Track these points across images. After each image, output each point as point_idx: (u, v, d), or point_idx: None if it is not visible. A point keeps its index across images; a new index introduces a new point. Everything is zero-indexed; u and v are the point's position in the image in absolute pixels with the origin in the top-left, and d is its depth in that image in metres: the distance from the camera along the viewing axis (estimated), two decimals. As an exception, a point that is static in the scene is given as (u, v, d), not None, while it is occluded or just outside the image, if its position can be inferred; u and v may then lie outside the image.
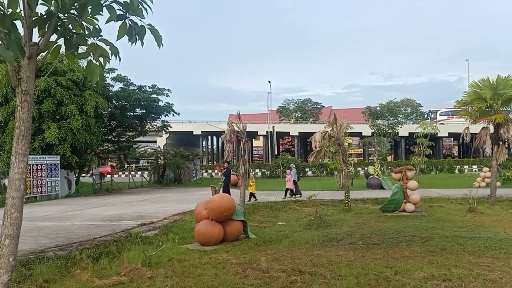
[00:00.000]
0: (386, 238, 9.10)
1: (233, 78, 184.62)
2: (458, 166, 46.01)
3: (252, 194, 18.78)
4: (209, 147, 78.11)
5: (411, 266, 6.56)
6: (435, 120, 56.96)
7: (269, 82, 61.57)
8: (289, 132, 65.82)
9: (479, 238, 8.74)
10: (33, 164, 21.62)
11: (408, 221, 12.03)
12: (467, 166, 45.95)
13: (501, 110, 15.99)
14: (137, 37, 4.53)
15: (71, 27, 4.50)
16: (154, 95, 32.19)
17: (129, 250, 8.73)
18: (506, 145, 16.13)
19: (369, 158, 65.32)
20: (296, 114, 78.85)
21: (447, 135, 60.79)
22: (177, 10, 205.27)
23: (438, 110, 62.94)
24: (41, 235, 10.47)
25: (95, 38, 4.58)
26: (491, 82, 15.78)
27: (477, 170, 41.20)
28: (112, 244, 9.41)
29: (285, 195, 19.52)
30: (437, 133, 31.53)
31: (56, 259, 7.71)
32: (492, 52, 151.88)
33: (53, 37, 4.55)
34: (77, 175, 29.27)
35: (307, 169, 44.17)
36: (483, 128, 16.30)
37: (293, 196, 19.70)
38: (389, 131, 47.28)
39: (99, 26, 4.60)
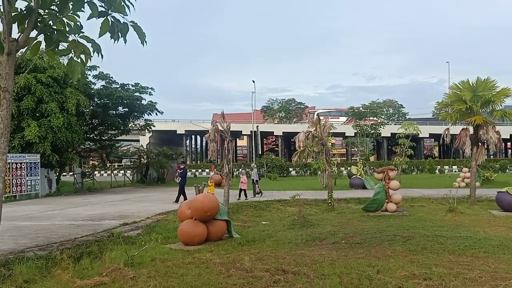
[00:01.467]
0: (368, 238, 9.18)
1: (218, 77, 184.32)
2: (439, 167, 46.81)
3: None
4: (193, 146, 77.76)
5: (393, 265, 6.64)
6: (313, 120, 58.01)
7: (253, 81, 61.62)
8: (273, 132, 66.01)
9: (459, 237, 8.89)
10: (12, 163, 21.18)
11: (390, 220, 12.17)
12: (448, 166, 46.80)
13: (480, 112, 16.29)
14: (120, 34, 4.47)
15: (51, 24, 4.41)
16: (137, 94, 31.83)
17: (111, 250, 8.61)
18: (485, 146, 16.44)
19: (352, 158, 66.01)
20: (280, 114, 79.12)
21: (428, 136, 61.84)
22: (161, 7, 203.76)
23: (316, 111, 64.66)
24: (21, 235, 10.25)
25: (76, 35, 4.51)
26: (471, 84, 16.08)
27: (457, 170, 42.01)
28: (94, 244, 9.28)
29: (239, 196, 19.21)
30: (418, 133, 32.01)
31: (36, 259, 7.56)
32: (472, 55, 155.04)
33: (33, 33, 4.46)
34: (57, 174, 28.78)
35: (290, 169, 44.34)
36: (463, 129, 16.58)
37: (254, 195, 19.97)
38: (372, 132, 47.81)
39: (80, 23, 4.53)
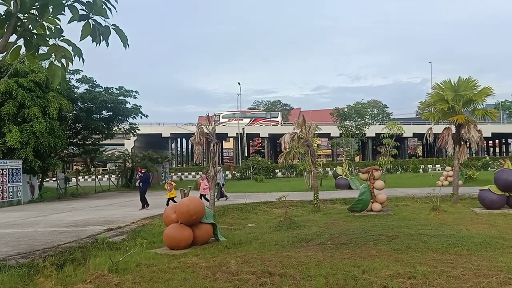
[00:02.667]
0: (354, 238, 9.25)
1: (203, 79, 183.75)
2: (423, 166, 47.45)
3: (171, 199, 16.88)
4: (179, 149, 77.33)
5: (378, 265, 6.70)
6: (218, 122, 59.73)
7: (239, 83, 61.98)
8: (259, 134, 66.00)
9: (442, 235, 9.03)
10: (-7, 169, 20.76)
11: (375, 220, 12.28)
12: (431, 165, 47.46)
13: (462, 111, 16.58)
14: (102, 38, 4.42)
15: (31, 28, 4.35)
16: (121, 97, 31.57)
17: (95, 256, 8.51)
18: (467, 145, 16.74)
19: (338, 158, 66.45)
20: (266, 116, 79.18)
21: (412, 136, 62.61)
22: (144, 10, 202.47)
23: (221, 113, 66.02)
24: (2, 243, 10.05)
25: (57, 39, 4.45)
26: (453, 84, 16.36)
27: (440, 169, 42.61)
28: (77, 250, 9.14)
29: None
30: (402, 133, 32.37)
31: (18, 267, 7.41)
32: (454, 54, 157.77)
33: (13, 38, 4.39)
34: (40, 179, 28.31)
35: (277, 170, 44.43)
36: (445, 128, 16.85)
37: (219, 199, 19.08)
38: (357, 132, 48.17)
39: (61, 27, 4.47)
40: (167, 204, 16.20)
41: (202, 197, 17.43)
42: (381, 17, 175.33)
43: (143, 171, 18.73)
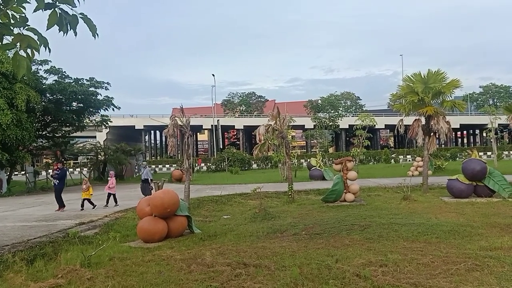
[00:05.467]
0: (327, 228, 9.39)
1: (176, 71, 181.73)
2: (394, 156, 48.46)
3: (88, 200, 15.26)
4: (152, 142, 76.39)
5: (351, 254, 6.83)
6: None
7: (213, 75, 61.46)
8: (234, 126, 65.92)
9: (412, 224, 9.26)
10: (-43, 163, 19.98)
11: (348, 210, 12.48)
12: (402, 156, 48.56)
13: (431, 103, 16.96)
14: (69, 27, 4.28)
15: (-5, 16, 4.17)
16: (92, 89, 30.85)
17: (66, 251, 8.34)
18: (436, 136, 17.14)
19: (312, 150, 67.08)
20: (241, 108, 79.09)
21: (384, 127, 63.83)
22: (118, 1, 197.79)
23: None
24: (-32, 239, 9.71)
25: (22, 28, 4.28)
26: (423, 77, 16.70)
27: (411, 160, 43.63)
28: (48, 245, 8.94)
29: (107, 202, 15.84)
30: (374, 125, 32.97)
31: (-14, 264, 7.20)
32: (424, 48, 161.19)
33: (-25, 26, 4.20)
34: (8, 173, 27.45)
35: (252, 162, 44.52)
36: (415, 120, 17.20)
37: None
38: (330, 124, 48.79)
39: (25, 15, 4.30)
40: (82, 206, 14.98)
41: (111, 197, 15.90)
42: (352, 11, 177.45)
43: (59, 167, 16.16)
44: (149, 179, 18.22)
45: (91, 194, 15.41)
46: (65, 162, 39.48)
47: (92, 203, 15.22)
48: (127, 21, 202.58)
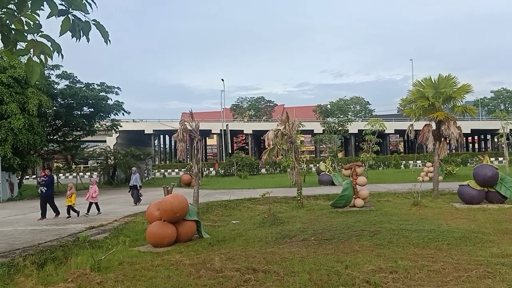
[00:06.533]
0: (337, 234, 9.33)
1: (185, 75, 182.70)
2: (404, 162, 48.10)
3: (71, 208, 14.57)
4: (162, 146, 76.75)
5: (360, 260, 6.78)
6: None
7: (222, 80, 61.56)
8: (243, 130, 66.00)
9: (423, 230, 9.17)
10: (-30, 167, 20.25)
11: (357, 216, 12.41)
12: (412, 161, 48.18)
13: (442, 108, 16.84)
14: (82, 33, 4.34)
15: (9, 23, 4.24)
16: (102, 93, 31.13)
17: (76, 255, 8.40)
18: (447, 141, 17.02)
19: (321, 155, 66.91)
20: (250, 112, 79.20)
21: (393, 132, 63.45)
22: (126, 6, 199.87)
23: None
24: (-20, 243, 9.83)
25: (35, 34, 4.35)
26: (433, 81, 16.59)
27: (421, 165, 43.28)
28: (58, 249, 9.02)
29: (88, 211, 15.04)
30: (384, 130, 32.79)
31: (-3, 267, 7.27)
32: (434, 52, 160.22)
33: (-11, 33, 4.27)
34: (20, 177, 27.75)
35: (260, 167, 44.50)
36: (425, 125, 17.09)
37: (136, 203, 17.81)
38: (340, 129, 48.61)
39: (39, 22, 4.37)
40: (68, 213, 14.37)
41: (93, 205, 15.27)
42: (362, 15, 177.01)
43: (47, 174, 15.45)
44: (138, 185, 18.04)
45: (73, 203, 14.55)
46: (75, 166, 39.84)
47: (75, 211, 14.50)
48: (136, 25, 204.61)
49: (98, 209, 15.40)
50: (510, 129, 36.95)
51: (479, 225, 10.01)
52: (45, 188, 14.85)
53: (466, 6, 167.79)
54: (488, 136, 72.40)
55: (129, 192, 18.71)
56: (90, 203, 15.23)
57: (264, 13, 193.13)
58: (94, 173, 41.23)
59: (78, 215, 14.51)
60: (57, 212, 14.80)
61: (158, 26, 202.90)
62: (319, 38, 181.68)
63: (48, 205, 14.69)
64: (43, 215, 14.45)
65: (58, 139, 32.75)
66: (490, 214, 11.78)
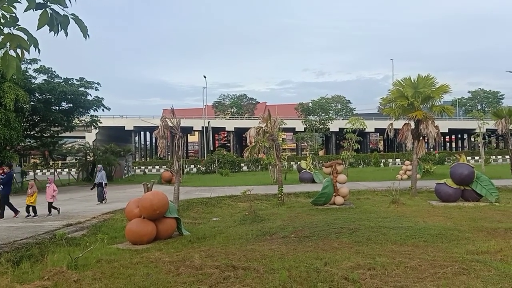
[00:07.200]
0: (317, 231, 9.42)
1: (168, 72, 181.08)
2: (384, 160, 48.77)
3: (31, 207, 13.68)
4: (142, 143, 75.96)
5: (340, 257, 6.86)
6: None
7: (204, 76, 61.29)
8: (224, 128, 65.82)
9: (401, 227, 9.34)
10: None
11: (337, 213, 12.54)
12: (391, 160, 48.90)
13: (421, 107, 17.13)
14: (60, 27, 4.26)
15: (-16, 15, 4.13)
16: (82, 89, 30.53)
17: (53, 252, 8.27)
18: (425, 140, 17.31)
19: (302, 153, 67.30)
20: (232, 110, 79.09)
21: (373, 131, 64.23)
22: (109, 2, 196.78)
23: None
24: (-48, 240, 9.57)
25: (12, 28, 4.25)
26: (412, 81, 16.87)
27: (400, 163, 43.95)
28: (35, 246, 8.86)
29: (50, 211, 14.16)
30: (364, 128, 33.17)
31: (-30, 266, 7.09)
32: (414, 53, 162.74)
33: (-37, 25, 4.16)
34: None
35: (242, 164, 44.50)
36: (405, 124, 17.36)
37: (101, 201, 17.19)
38: (321, 127, 48.91)
39: (16, 15, 4.27)
40: (27, 211, 13.56)
41: (50, 206, 14.29)
42: (344, 16, 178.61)
43: (5, 172, 14.25)
44: (103, 183, 17.47)
45: (32, 202, 13.62)
46: (53, 162, 39.07)
47: (35, 212, 13.65)
48: (119, 22, 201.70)
49: (50, 210, 14.16)
50: (486, 129, 37.87)
51: (455, 222, 10.24)
52: (1, 186, 13.80)
53: (449, 10, 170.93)
54: (465, 136, 73.99)
55: (91, 189, 18.13)
56: (49, 204, 14.24)
57: (248, 12, 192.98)
58: (73, 169, 40.44)
59: (29, 215, 13.57)
60: (15, 211, 13.87)
61: (142, 24, 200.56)
62: (302, 37, 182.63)
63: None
64: (1, 215, 13.68)
65: (35, 134, 32.03)
66: (466, 212, 12.06)
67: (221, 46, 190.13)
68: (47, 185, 14.85)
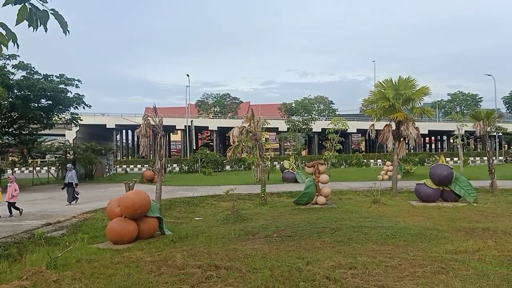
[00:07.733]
0: (299, 230, 9.46)
1: (150, 70, 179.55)
2: (365, 160, 49.32)
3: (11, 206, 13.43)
4: (124, 141, 75.11)
5: (321, 256, 6.90)
6: None
7: (188, 75, 60.92)
8: (208, 127, 65.59)
9: (382, 227, 9.45)
10: None
11: (319, 213, 12.61)
12: (373, 160, 49.47)
13: (402, 109, 17.38)
14: (39, 23, 4.17)
15: (-40, 8, 4.02)
16: (62, 86, 30.00)
17: (32, 252, 8.11)
18: (406, 141, 17.56)
19: (285, 152, 67.54)
20: (215, 109, 78.85)
21: (355, 131, 64.89)
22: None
23: None
24: None
25: (-10, 22, 4.14)
26: (394, 83, 17.10)
27: (381, 164, 44.50)
28: (13, 246, 8.68)
29: (10, 213, 13.43)
30: (347, 129, 33.47)
31: None
32: (396, 56, 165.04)
33: None
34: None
35: (225, 163, 44.41)
36: (386, 125, 17.58)
37: (72, 201, 16.67)
38: (304, 127, 49.21)
39: (-6, 9, 4.17)
40: (9, 210, 13.24)
41: (11, 207, 13.59)
42: (328, 17, 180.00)
43: None
44: (74, 183, 16.99)
45: None
46: (31, 160, 38.30)
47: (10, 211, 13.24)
48: (102, 19, 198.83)
49: (11, 211, 13.40)
50: (465, 131, 38.62)
51: (435, 222, 10.41)
52: None
53: (429, 13, 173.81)
54: (445, 137, 75.38)
55: (62, 189, 17.66)
56: (9, 204, 13.47)
57: (232, 12, 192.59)
58: (52, 168, 39.70)
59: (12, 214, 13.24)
60: None
61: (124, 21, 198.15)
62: (286, 38, 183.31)
63: None
64: None
65: (14, 132, 31.34)
66: (445, 212, 12.28)
67: (205, 45, 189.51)
68: (8, 184, 14.07)
